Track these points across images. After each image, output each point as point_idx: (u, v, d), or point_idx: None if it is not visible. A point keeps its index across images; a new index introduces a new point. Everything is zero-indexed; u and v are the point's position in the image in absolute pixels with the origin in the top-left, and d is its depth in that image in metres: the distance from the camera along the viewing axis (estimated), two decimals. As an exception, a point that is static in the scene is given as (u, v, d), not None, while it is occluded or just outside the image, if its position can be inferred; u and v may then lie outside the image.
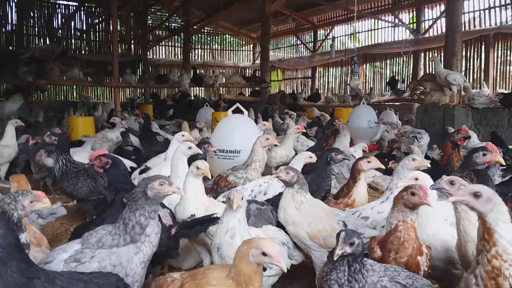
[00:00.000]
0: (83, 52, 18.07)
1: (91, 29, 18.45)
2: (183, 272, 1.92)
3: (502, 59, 12.25)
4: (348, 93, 13.82)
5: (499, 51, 12.27)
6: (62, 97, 17.97)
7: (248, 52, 22.60)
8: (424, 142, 5.92)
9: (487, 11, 12.49)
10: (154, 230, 1.88)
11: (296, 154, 4.54)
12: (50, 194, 4.72)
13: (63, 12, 17.82)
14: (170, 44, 20.54)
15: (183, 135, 4.05)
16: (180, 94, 13.11)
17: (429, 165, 3.01)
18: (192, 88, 14.06)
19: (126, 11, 17.95)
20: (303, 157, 3.52)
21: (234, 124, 4.76)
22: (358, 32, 17.09)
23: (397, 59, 15.81)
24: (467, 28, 12.29)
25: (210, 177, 2.74)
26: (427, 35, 13.93)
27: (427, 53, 14.11)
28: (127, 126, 6.63)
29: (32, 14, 17.09)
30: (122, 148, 5.61)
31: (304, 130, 5.73)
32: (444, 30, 10.15)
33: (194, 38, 19.56)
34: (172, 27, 18.54)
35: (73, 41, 18.20)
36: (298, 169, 2.83)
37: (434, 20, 13.88)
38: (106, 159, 2.79)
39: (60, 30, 17.85)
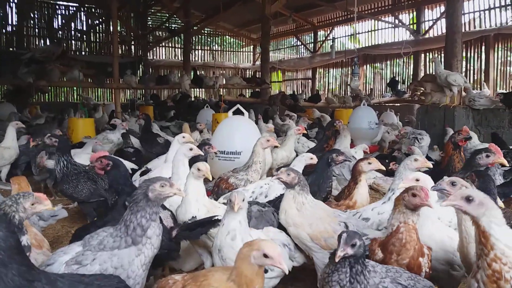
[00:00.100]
0: (83, 53, 18.09)
1: (91, 30, 18.47)
2: (184, 274, 1.92)
3: (503, 59, 12.26)
4: (349, 94, 13.84)
5: (500, 52, 12.28)
6: (63, 99, 17.99)
7: (248, 53, 22.62)
8: (424, 143, 5.92)
9: (487, 12, 12.50)
10: (155, 232, 1.88)
11: (297, 155, 4.54)
12: (51, 196, 4.71)
13: (63, 13, 17.85)
14: (170, 45, 20.56)
15: (183, 137, 4.05)
16: (180, 95, 13.12)
17: (431, 166, 3.01)
18: (192, 89, 14.05)
19: (126, 12, 17.97)
20: (304, 158, 3.52)
21: (235, 125, 4.76)
22: (358, 33, 17.10)
23: (398, 60, 15.82)
24: (467, 29, 12.30)
25: (211, 179, 2.74)
26: (427, 36, 13.94)
27: (427, 54, 14.12)
28: (128, 128, 6.63)
29: (32, 15, 17.12)
30: (122, 150, 5.61)
31: (305, 132, 5.73)
32: (444, 31, 10.17)
33: (194, 39, 19.59)
34: (172, 28, 18.55)
35: (73, 42, 18.22)
36: (299, 171, 2.83)
37: (434, 21, 13.89)
38: (106, 161, 2.79)
39: (60, 31, 17.88)
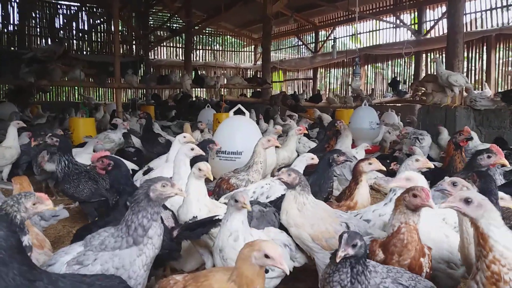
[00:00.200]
0: (84, 52, 18.12)
1: (93, 30, 18.51)
2: (185, 275, 1.92)
3: (504, 60, 12.24)
4: (350, 94, 13.82)
5: (501, 52, 12.26)
6: (64, 98, 18.03)
7: (250, 53, 22.63)
8: (426, 143, 5.91)
9: (488, 12, 12.48)
10: (156, 232, 1.88)
11: (298, 155, 4.54)
12: (52, 196, 4.72)
13: (65, 12, 17.90)
14: (171, 45, 20.59)
15: (185, 137, 4.05)
16: (181, 95, 13.13)
17: (433, 166, 3.00)
18: (193, 89, 14.06)
19: (127, 11, 17.99)
20: (305, 158, 3.52)
21: (236, 125, 4.76)
22: (360, 33, 17.09)
23: (399, 60, 15.81)
24: (468, 29, 12.28)
25: (212, 179, 2.74)
26: (428, 36, 13.93)
27: (429, 54, 14.11)
28: (129, 127, 6.64)
29: (34, 15, 17.16)
30: (124, 150, 5.61)
31: (306, 132, 5.72)
32: (445, 31, 10.16)
33: (195, 39, 19.60)
34: (174, 27, 18.57)
35: (74, 41, 18.27)
36: (300, 171, 2.83)
37: (435, 21, 13.88)
38: (108, 160, 2.79)
39: (61, 31, 17.92)
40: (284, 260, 1.67)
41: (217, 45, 22.05)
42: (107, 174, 2.81)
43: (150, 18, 19.52)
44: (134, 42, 19.15)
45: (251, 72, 20.33)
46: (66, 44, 16.38)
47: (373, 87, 16.46)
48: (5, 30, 16.50)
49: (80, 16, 18.15)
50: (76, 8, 17.87)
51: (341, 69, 18.42)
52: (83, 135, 6.68)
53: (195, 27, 16.57)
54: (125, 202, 2.54)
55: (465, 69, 11.53)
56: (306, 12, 16.51)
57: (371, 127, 7.82)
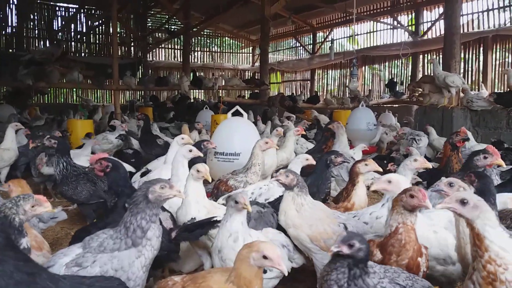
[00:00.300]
0: (83, 54, 18.11)
1: (91, 32, 18.51)
2: (184, 276, 1.93)
3: (501, 61, 12.31)
4: (347, 95, 13.86)
5: (498, 53, 12.33)
6: (62, 100, 18.00)
7: (248, 54, 22.66)
8: (423, 144, 5.95)
9: (485, 13, 12.56)
10: (155, 233, 1.89)
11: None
12: (51, 198, 4.72)
13: (63, 14, 17.89)
14: (169, 47, 20.60)
15: (183, 138, 4.06)
16: (179, 97, 13.13)
17: (431, 166, 3.01)
18: (191, 90, 14.07)
19: (126, 13, 18.00)
20: (300, 160, 3.54)
21: (234, 126, 4.77)
22: (357, 35, 17.15)
23: (396, 61, 15.87)
24: (465, 30, 12.36)
25: (210, 181, 2.75)
26: (425, 37, 14.00)
27: (426, 55, 14.17)
28: (127, 129, 6.64)
29: (32, 17, 17.15)
30: (122, 151, 5.61)
31: (304, 133, 5.74)
32: (442, 32, 10.21)
33: (193, 41, 19.61)
34: (172, 29, 18.60)
35: (73, 43, 18.25)
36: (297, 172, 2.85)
37: (432, 22, 13.95)
38: (106, 162, 2.80)
39: (60, 33, 17.91)
40: (282, 261, 1.68)
41: (215, 46, 22.08)
42: (106, 176, 2.81)
43: (148, 20, 19.53)
44: (132, 44, 19.15)
45: (249, 74, 20.36)
46: (64, 46, 16.34)
47: (370, 88, 16.51)
48: (3, 32, 16.47)
49: (78, 18, 18.16)
50: (74, 10, 17.86)
51: (339, 71, 18.47)
52: (81, 137, 6.68)
53: (193, 29, 16.59)
54: (123, 204, 2.55)
55: (462, 70, 11.60)
56: (304, 13, 16.55)
57: (368, 128, 7.85)
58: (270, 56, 18.05)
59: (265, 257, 1.65)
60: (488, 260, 1.63)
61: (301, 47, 20.11)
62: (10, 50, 16.34)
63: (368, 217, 2.70)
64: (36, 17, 17.26)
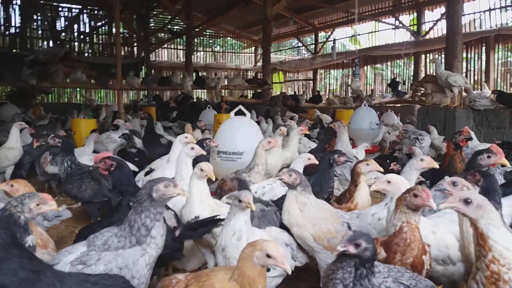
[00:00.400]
0: (86, 54, 18.17)
1: (94, 32, 18.56)
2: (187, 274, 1.94)
3: (503, 60, 12.27)
4: (349, 95, 13.85)
5: (500, 53, 12.30)
6: (66, 99, 18.08)
7: (250, 54, 22.68)
8: (425, 143, 5.93)
9: (487, 13, 12.52)
10: (159, 232, 1.90)
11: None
12: (55, 196, 4.74)
13: (66, 15, 17.94)
14: (172, 47, 20.64)
15: (186, 137, 4.07)
16: (182, 96, 13.16)
17: (438, 166, 2.99)
18: (194, 90, 14.10)
19: (128, 14, 18.02)
20: (302, 159, 3.54)
21: (237, 126, 4.78)
22: (359, 34, 17.14)
23: (398, 61, 15.85)
24: (467, 30, 12.32)
25: (214, 179, 2.76)
26: (427, 37, 13.97)
27: (428, 55, 14.13)
28: (131, 127, 6.67)
29: (35, 17, 17.22)
30: (126, 150, 5.64)
31: (307, 132, 5.74)
32: (444, 32, 10.18)
33: (196, 41, 19.65)
34: (175, 29, 18.63)
35: (76, 43, 18.31)
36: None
37: (434, 22, 13.92)
38: (110, 161, 2.81)
39: (63, 33, 17.96)
40: (285, 260, 1.68)
41: (218, 46, 22.10)
42: (110, 174, 2.83)
43: (151, 20, 19.57)
44: (135, 44, 19.20)
45: (252, 74, 20.37)
46: (67, 46, 16.47)
47: (372, 87, 16.49)
48: (7, 33, 16.55)
49: (81, 18, 18.21)
50: (77, 10, 17.92)
51: (341, 70, 18.45)
52: (85, 136, 6.70)
53: (196, 29, 16.61)
54: (128, 203, 2.56)
55: (464, 70, 11.58)
56: (306, 13, 16.55)
57: (371, 128, 7.84)
58: (272, 56, 18.03)
59: (268, 256, 1.65)
60: (492, 260, 1.63)
61: (303, 47, 20.10)
62: (14, 50, 16.41)
63: (370, 219, 2.66)
64: (39, 18, 17.33)
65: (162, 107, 13.03)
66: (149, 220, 1.87)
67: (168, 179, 1.98)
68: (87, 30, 18.38)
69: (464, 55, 11.73)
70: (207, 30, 19.72)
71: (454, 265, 2.29)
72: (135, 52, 19.30)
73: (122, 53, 16.57)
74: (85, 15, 18.19)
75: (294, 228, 2.43)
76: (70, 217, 3.17)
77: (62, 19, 17.80)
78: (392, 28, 15.67)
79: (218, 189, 3.64)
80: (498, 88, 11.86)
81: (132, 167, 4.60)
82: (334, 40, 16.33)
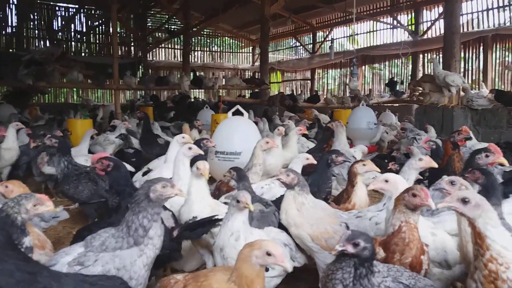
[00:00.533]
0: (83, 54, 18.11)
1: (91, 32, 18.50)
2: (186, 274, 1.93)
3: (501, 60, 12.31)
4: (347, 95, 13.86)
5: (498, 52, 12.34)
6: (63, 100, 18.00)
7: (248, 54, 22.66)
8: (423, 143, 5.93)
9: (485, 13, 12.56)
10: (157, 232, 1.89)
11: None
12: (52, 197, 4.71)
13: (63, 14, 17.88)
14: (169, 46, 20.60)
15: (183, 137, 4.06)
16: (180, 96, 13.13)
17: (437, 166, 2.99)
18: (192, 90, 14.07)
19: (125, 13, 17.99)
20: (300, 160, 3.55)
21: (234, 126, 4.77)
22: (357, 34, 17.16)
23: (396, 61, 15.87)
24: (465, 30, 12.36)
25: (207, 178, 2.73)
26: (425, 37, 13.99)
27: (426, 54, 14.17)
28: (129, 126, 6.65)
29: (32, 17, 17.13)
30: (123, 151, 5.61)
31: (306, 132, 5.74)
32: (442, 31, 10.20)
33: (193, 40, 19.61)
34: (172, 29, 18.59)
35: (73, 43, 18.25)
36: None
37: (432, 21, 13.94)
38: (107, 161, 2.80)
39: (60, 33, 17.90)
40: (285, 258, 1.67)
41: (215, 46, 22.07)
42: (107, 175, 2.82)
43: (148, 19, 19.53)
44: (132, 44, 19.15)
45: (249, 73, 20.36)
46: (64, 45, 16.40)
47: (370, 87, 16.51)
48: (3, 32, 16.47)
49: (78, 18, 18.16)
50: (74, 10, 17.86)
51: (339, 70, 18.47)
52: (81, 137, 6.66)
53: (193, 29, 16.59)
54: (127, 205, 2.54)
55: (462, 69, 11.61)
56: (304, 13, 16.55)
57: (369, 127, 7.85)
58: (270, 56, 18.04)
59: (268, 254, 1.64)
60: (490, 259, 1.64)
61: (301, 47, 20.10)
62: (10, 50, 16.34)
63: (368, 223, 2.64)
64: (36, 17, 17.25)
65: (159, 107, 12.99)
66: (147, 220, 1.87)
67: (165, 180, 1.97)
68: (84, 30, 18.31)
69: (462, 54, 11.75)
70: (205, 30, 19.70)
71: (449, 269, 2.28)
72: (132, 52, 19.26)
73: (119, 52, 16.55)
74: (82, 15, 18.13)
75: (292, 228, 2.43)
76: (67, 218, 3.15)
77: (59, 18, 17.74)
78: (390, 28, 15.70)
79: (216, 191, 3.64)
80: (496, 88, 11.93)
81: (129, 167, 4.58)
82: (332, 40, 16.32)
